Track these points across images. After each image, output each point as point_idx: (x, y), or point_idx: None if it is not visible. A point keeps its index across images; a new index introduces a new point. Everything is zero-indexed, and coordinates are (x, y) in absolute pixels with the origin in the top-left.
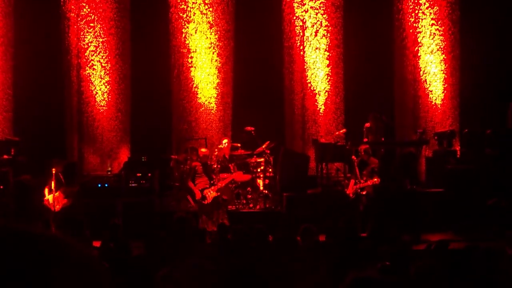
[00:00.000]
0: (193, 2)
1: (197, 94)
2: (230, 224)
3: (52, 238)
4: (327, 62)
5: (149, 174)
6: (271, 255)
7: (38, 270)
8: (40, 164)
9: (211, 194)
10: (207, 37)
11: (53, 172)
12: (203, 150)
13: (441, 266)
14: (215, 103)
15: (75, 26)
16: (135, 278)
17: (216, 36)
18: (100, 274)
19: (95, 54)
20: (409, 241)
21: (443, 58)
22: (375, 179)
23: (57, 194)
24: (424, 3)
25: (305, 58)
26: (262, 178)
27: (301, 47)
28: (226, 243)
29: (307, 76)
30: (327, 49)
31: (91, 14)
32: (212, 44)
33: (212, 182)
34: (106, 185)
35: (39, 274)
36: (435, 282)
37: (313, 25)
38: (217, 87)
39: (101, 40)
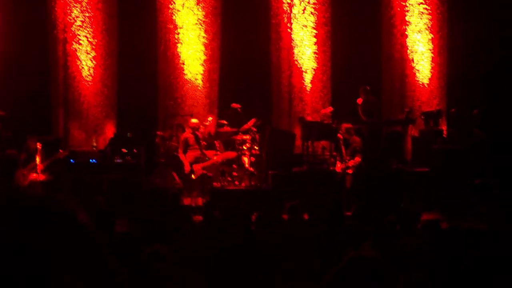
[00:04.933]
0: None
1: (183, 70)
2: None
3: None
4: (315, 40)
5: (135, 150)
6: (257, 233)
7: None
8: (25, 139)
9: (199, 170)
10: (194, 13)
11: (31, 147)
12: (194, 120)
13: (429, 246)
14: (201, 80)
15: (61, 1)
16: (118, 254)
17: (203, 12)
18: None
19: (81, 29)
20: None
21: (431, 37)
22: (357, 159)
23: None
24: None
25: (292, 36)
26: (247, 156)
27: (289, 25)
28: (213, 221)
29: (294, 54)
30: (314, 26)
31: None
32: (199, 20)
33: (202, 155)
34: (93, 160)
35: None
36: (422, 260)
37: (301, 3)
38: (204, 64)
39: (87, 15)
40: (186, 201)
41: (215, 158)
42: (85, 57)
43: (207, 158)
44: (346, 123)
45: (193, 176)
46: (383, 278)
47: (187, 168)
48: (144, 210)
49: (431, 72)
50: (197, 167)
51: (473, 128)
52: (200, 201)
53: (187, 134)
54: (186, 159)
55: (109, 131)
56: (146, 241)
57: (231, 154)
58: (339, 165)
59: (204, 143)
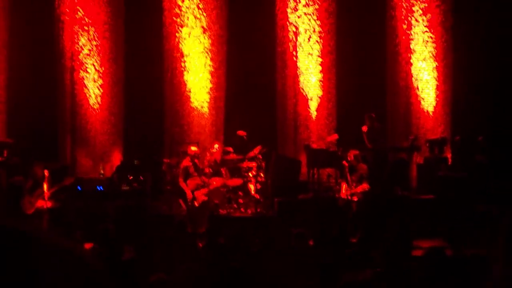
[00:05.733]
0: (187, 7)
1: (190, 98)
2: (213, 229)
3: (41, 235)
4: (320, 68)
5: (141, 178)
6: (261, 260)
7: (25, 264)
8: (32, 166)
9: (201, 196)
10: (200, 42)
11: (38, 174)
12: (193, 148)
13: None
14: (207, 107)
15: (69, 29)
16: (126, 281)
17: (210, 41)
18: (91, 271)
19: (89, 57)
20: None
21: (436, 65)
22: (365, 185)
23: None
24: (417, 10)
25: (297, 64)
26: (253, 183)
27: (294, 53)
28: (218, 247)
29: (300, 82)
30: (319, 54)
31: (86, 17)
32: (206, 49)
33: (202, 182)
34: (100, 188)
35: (25, 269)
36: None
37: (306, 31)
38: (210, 92)
39: (95, 43)
40: (192, 228)
41: (214, 183)
42: (93, 85)
43: (207, 185)
44: (354, 149)
45: (195, 203)
46: None
47: (189, 195)
48: (150, 237)
49: (436, 100)
50: (199, 194)
51: (477, 155)
52: (204, 228)
53: (187, 162)
54: (187, 187)
55: (116, 158)
56: (151, 268)
57: (237, 181)
58: (344, 191)
59: (210, 170)
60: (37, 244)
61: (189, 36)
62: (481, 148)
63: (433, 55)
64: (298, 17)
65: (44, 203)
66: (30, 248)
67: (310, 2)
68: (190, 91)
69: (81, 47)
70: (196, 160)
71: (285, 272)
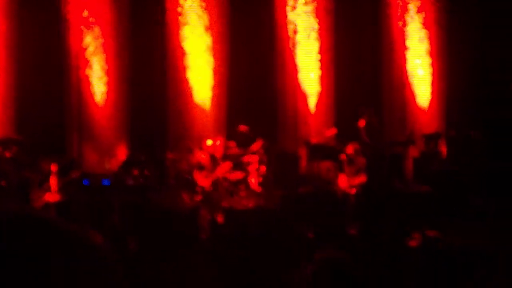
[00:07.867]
0: (189, 6)
1: (192, 95)
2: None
3: (55, 221)
4: (319, 65)
5: (146, 173)
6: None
7: (40, 249)
8: (40, 161)
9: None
10: (202, 40)
11: (45, 169)
12: (209, 142)
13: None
14: (210, 104)
15: (75, 28)
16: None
17: (212, 39)
18: (104, 258)
19: (94, 55)
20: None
21: (431, 62)
22: (363, 178)
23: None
24: (412, 8)
25: (296, 61)
26: (255, 176)
27: (293, 50)
28: (221, 239)
29: (299, 78)
30: (318, 52)
31: (91, 17)
32: (208, 47)
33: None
34: (106, 182)
35: (41, 254)
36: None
37: (305, 29)
38: (212, 89)
39: (100, 41)
40: (197, 220)
41: (217, 172)
42: (98, 82)
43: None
44: (353, 143)
45: (199, 196)
46: (353, 277)
47: (200, 186)
48: (154, 231)
49: (430, 96)
50: (203, 185)
51: (471, 149)
52: (208, 220)
53: (202, 154)
54: (200, 178)
55: (122, 153)
56: (155, 260)
57: (239, 175)
58: (342, 184)
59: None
60: (51, 229)
61: (191, 34)
62: (475, 143)
63: (428, 52)
64: (298, 15)
65: (52, 197)
66: (44, 233)
67: (309, 0)
68: (192, 89)
69: (86, 45)
70: (211, 154)
71: (285, 264)
